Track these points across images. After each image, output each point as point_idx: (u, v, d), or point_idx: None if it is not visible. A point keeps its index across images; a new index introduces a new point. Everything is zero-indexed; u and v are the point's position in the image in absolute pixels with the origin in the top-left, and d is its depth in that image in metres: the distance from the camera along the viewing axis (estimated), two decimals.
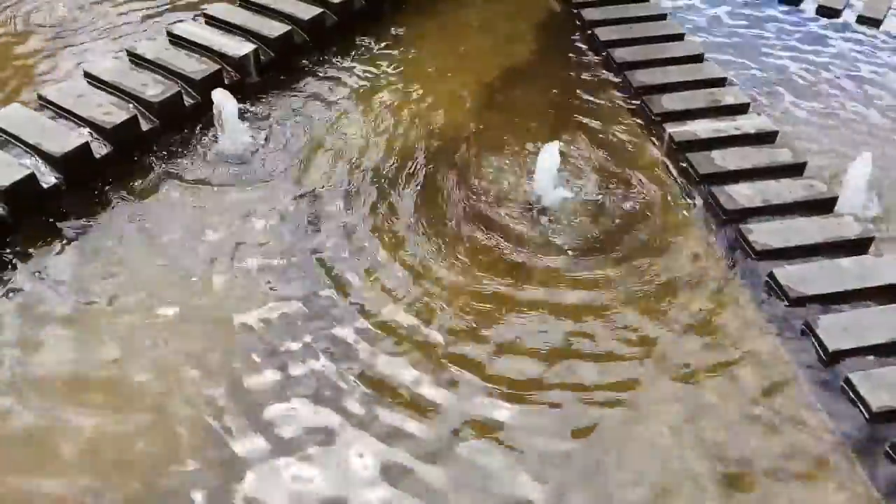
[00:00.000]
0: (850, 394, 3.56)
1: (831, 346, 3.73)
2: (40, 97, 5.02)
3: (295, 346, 3.78)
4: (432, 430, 3.42)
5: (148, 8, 6.43)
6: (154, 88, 5.08)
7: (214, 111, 4.88)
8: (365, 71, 5.77)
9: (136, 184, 4.70)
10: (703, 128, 5.09)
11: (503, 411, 3.51)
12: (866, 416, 3.48)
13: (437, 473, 3.26)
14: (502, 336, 3.85)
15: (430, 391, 3.58)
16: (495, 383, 3.63)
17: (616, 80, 5.71)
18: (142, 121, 4.94)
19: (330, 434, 3.40)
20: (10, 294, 4.00)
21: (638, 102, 5.45)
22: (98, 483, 3.22)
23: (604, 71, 5.84)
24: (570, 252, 4.31)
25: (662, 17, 6.33)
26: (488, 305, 4.00)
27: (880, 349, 3.74)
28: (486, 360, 3.72)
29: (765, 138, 5.05)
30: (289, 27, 5.77)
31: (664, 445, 3.41)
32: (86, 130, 4.81)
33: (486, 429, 3.44)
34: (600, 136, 5.20)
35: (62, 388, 3.57)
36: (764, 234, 4.34)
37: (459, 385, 3.61)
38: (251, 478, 3.25)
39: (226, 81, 5.30)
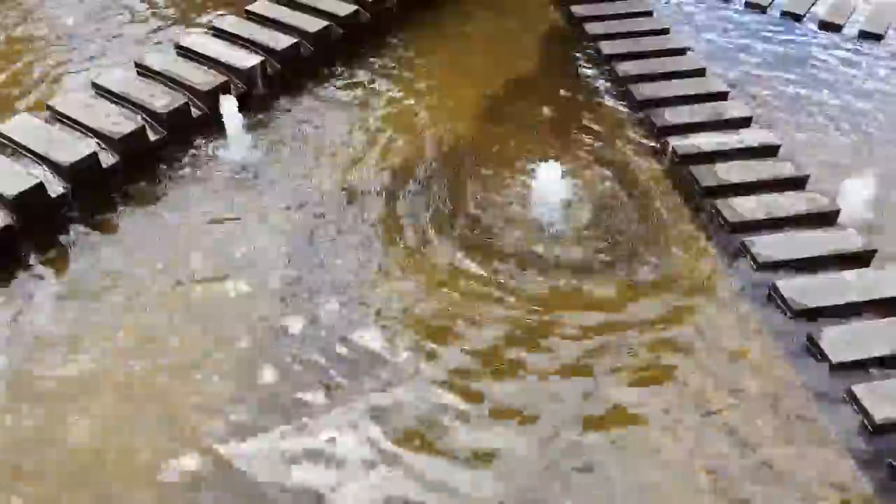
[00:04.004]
0: (853, 405, 3.58)
1: (835, 358, 3.74)
2: (49, 107, 5.07)
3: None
4: None
5: (156, 20, 6.49)
6: (162, 99, 5.13)
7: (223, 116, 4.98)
8: (370, 83, 5.82)
9: (143, 193, 4.74)
10: (706, 141, 5.13)
11: None
12: (870, 427, 3.49)
13: None
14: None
15: None
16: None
17: (619, 93, 5.76)
18: (149, 131, 4.99)
19: None
20: (16, 301, 4.04)
21: (641, 116, 5.50)
22: None
23: (607, 84, 5.88)
24: (571, 268, 4.32)
25: (665, 31, 6.39)
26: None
27: (883, 361, 3.75)
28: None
29: (767, 152, 5.09)
30: (295, 40, 5.83)
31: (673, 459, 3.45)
32: (94, 140, 4.85)
33: None
34: (603, 148, 5.23)
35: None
36: (767, 246, 4.36)
37: None
38: None
39: (233, 93, 5.35)
